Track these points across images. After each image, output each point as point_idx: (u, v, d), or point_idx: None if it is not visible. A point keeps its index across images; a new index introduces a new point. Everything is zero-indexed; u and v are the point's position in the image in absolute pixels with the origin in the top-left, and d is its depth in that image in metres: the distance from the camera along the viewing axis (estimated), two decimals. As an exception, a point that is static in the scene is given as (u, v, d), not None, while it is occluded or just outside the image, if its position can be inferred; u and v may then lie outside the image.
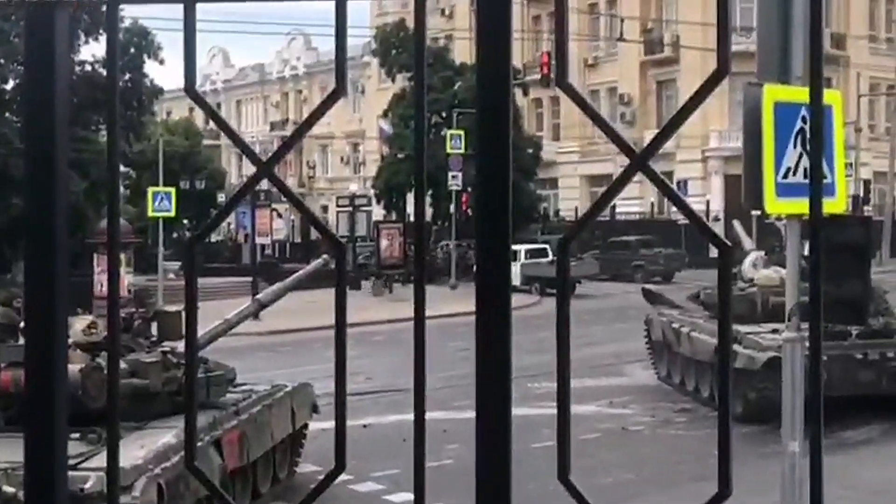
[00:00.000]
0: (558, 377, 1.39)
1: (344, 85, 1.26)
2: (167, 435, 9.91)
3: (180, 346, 11.65)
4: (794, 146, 6.70)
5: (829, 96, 6.93)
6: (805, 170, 6.75)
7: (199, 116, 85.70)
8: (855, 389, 14.41)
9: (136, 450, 9.53)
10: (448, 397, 17.38)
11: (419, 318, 1.31)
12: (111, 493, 1.55)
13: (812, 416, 1.24)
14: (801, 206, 6.80)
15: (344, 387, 1.38)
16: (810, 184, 1.29)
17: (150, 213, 31.44)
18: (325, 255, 15.64)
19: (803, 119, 6.72)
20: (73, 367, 10.03)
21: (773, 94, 6.63)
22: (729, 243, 1.30)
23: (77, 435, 9.22)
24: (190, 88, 1.38)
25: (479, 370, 1.26)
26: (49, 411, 1.35)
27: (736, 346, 15.23)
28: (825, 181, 6.85)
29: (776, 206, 6.70)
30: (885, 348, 14.73)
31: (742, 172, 6.85)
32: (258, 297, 14.21)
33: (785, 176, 6.66)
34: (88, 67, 42.61)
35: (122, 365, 10.71)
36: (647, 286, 20.79)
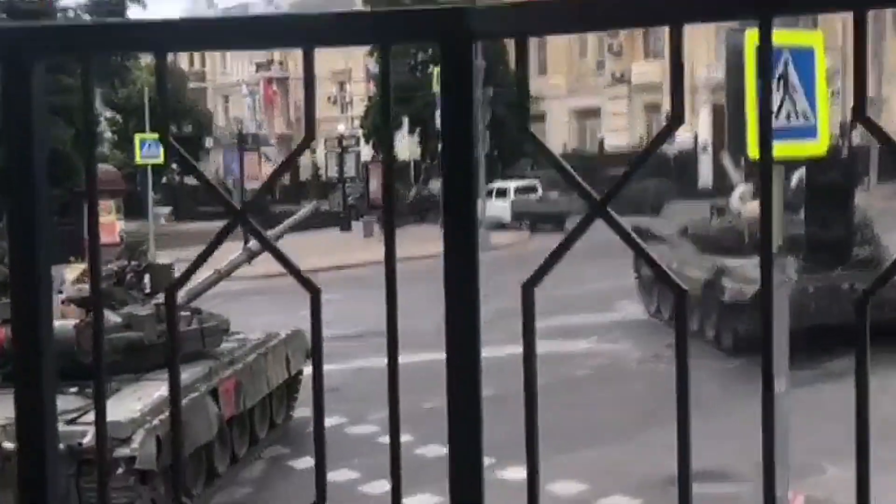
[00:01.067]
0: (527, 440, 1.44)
1: (312, 134, 1.32)
2: (163, 387, 10.03)
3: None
4: (777, 90, 6.74)
5: (811, 38, 6.96)
6: (788, 113, 6.81)
7: (183, 59, 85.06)
8: (842, 319, 14.52)
9: (133, 402, 9.66)
10: (439, 340, 17.48)
11: (390, 273, 1.37)
12: (100, 446, 1.62)
13: (765, 380, 1.30)
14: (784, 149, 6.86)
15: (322, 423, 1.44)
16: (762, 176, 1.36)
17: (138, 161, 31.35)
18: (315, 202, 15.77)
19: (785, 63, 6.76)
20: (68, 323, 10.13)
21: (755, 38, 6.64)
22: (684, 287, 1.36)
23: (74, 389, 9.34)
24: (162, 133, 1.43)
25: (448, 312, 1.31)
26: (36, 365, 1.41)
27: (724, 280, 15.37)
28: (807, 123, 6.91)
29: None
30: (872, 278, 14.86)
31: (726, 117, 6.90)
32: (249, 245, 14.27)
33: (767, 119, 6.71)
34: (71, 14, 42.26)
35: (116, 318, 10.81)
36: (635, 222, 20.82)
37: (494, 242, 35.86)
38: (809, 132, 6.86)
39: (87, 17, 42.61)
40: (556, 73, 58.04)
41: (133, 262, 12.01)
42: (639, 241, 1.28)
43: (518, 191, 42.05)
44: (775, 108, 6.77)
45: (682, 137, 46.74)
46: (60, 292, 11.25)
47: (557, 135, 57.14)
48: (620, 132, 54.37)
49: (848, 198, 6.90)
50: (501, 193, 41.64)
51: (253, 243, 14.73)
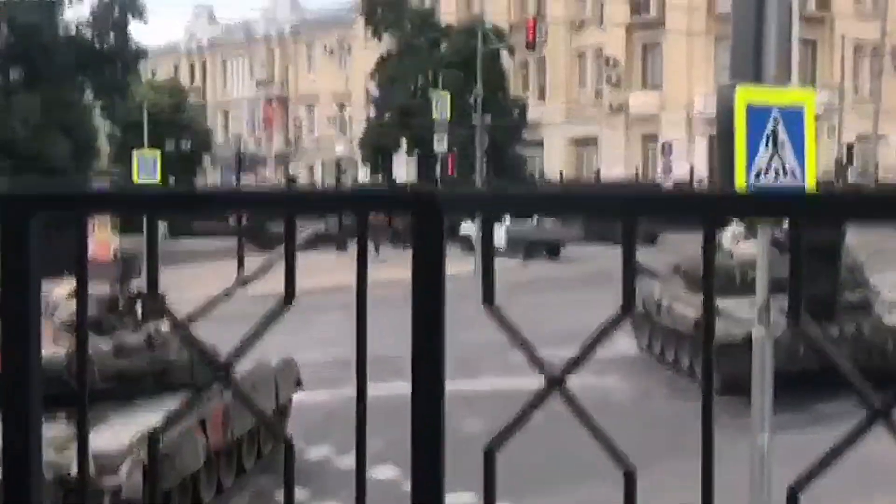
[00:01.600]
0: None
1: (292, 296, 1.39)
2: (152, 416, 10.07)
3: (165, 325, 11.80)
4: (766, 147, 6.84)
5: (801, 96, 7.07)
6: (776, 170, 6.90)
7: (184, 74, 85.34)
8: (830, 363, 14.61)
9: (122, 431, 9.70)
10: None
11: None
12: (81, 476, 1.68)
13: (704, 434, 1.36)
14: (771, 205, 6.95)
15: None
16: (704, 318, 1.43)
17: (136, 180, 31.44)
18: (310, 228, 15.83)
19: (775, 120, 6.86)
20: (60, 350, 10.18)
21: (745, 95, 6.76)
22: (632, 467, 1.43)
23: (64, 414, 9.38)
24: (159, 304, 1.50)
25: (414, 348, 1.36)
26: (24, 391, 1.46)
27: (715, 320, 15.44)
28: (795, 181, 7.00)
29: (747, 206, 6.84)
30: (861, 322, 14.92)
31: (716, 174, 7.00)
32: (242, 275, 14.34)
33: (757, 177, 6.81)
34: (73, 30, 42.42)
35: (107, 346, 10.87)
36: (629, 257, 20.88)
37: (488, 268, 35.90)
38: (798, 190, 6.95)
39: (88, 33, 42.80)
40: (554, 101, 58.25)
41: (126, 289, 12.06)
42: (592, 418, 1.34)
43: (513, 217, 42.16)
44: (764, 166, 6.87)
45: (679, 169, 46.91)
46: (40, 314, 11.29)
47: (554, 162, 57.31)
48: (617, 162, 54.51)
49: (835, 254, 6.98)
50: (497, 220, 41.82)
51: (246, 273, 14.84)
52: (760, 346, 7.07)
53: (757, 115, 6.79)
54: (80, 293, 1.65)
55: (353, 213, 1.30)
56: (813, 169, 6.97)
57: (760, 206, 1.30)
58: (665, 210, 1.29)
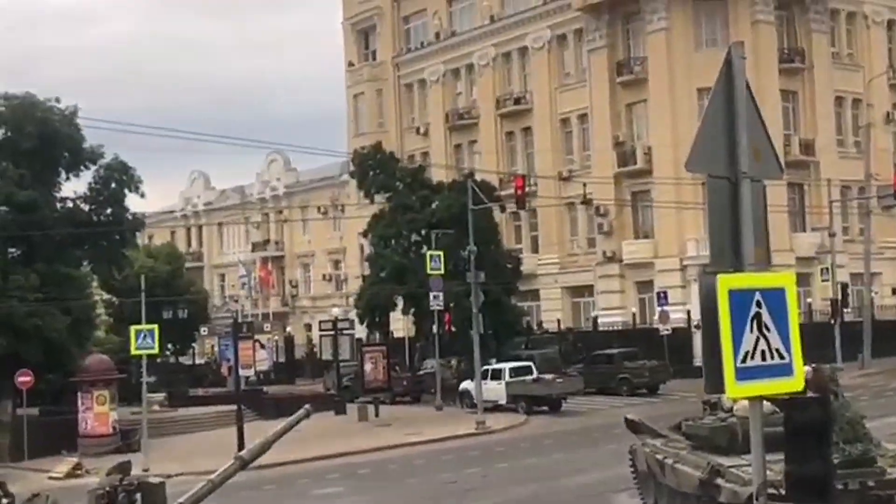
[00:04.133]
0: None
1: None
2: None
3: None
4: (751, 330, 6.94)
5: (782, 279, 7.19)
6: (763, 352, 7.00)
7: (181, 238, 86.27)
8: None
9: None
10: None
11: None
12: None
13: None
14: (761, 388, 7.03)
15: None
16: None
17: (134, 351, 31.48)
18: (307, 406, 15.76)
19: (758, 304, 6.98)
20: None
21: (727, 282, 6.88)
22: None
23: None
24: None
25: None
26: None
27: (719, 480, 15.29)
28: (782, 361, 7.08)
29: (737, 390, 6.90)
30: (865, 477, 14.71)
31: (702, 361, 7.09)
32: (241, 454, 14.17)
33: (744, 360, 6.88)
34: (70, 204, 43.05)
35: (106, 543, 10.71)
36: (630, 416, 20.68)
37: (490, 425, 35.62)
38: (785, 370, 7.03)
39: (85, 207, 43.43)
40: (547, 251, 58.75)
41: (125, 482, 11.94)
42: None
43: (513, 372, 41.91)
44: (750, 348, 6.96)
45: (676, 315, 46.93)
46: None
47: (551, 312, 57.46)
48: (614, 310, 54.63)
49: (826, 435, 7.00)
50: (496, 375, 41.50)
51: (245, 452, 14.72)
52: (760, 530, 7.03)
53: (740, 300, 6.91)
54: None
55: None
56: (798, 348, 7.05)
57: None
58: None
